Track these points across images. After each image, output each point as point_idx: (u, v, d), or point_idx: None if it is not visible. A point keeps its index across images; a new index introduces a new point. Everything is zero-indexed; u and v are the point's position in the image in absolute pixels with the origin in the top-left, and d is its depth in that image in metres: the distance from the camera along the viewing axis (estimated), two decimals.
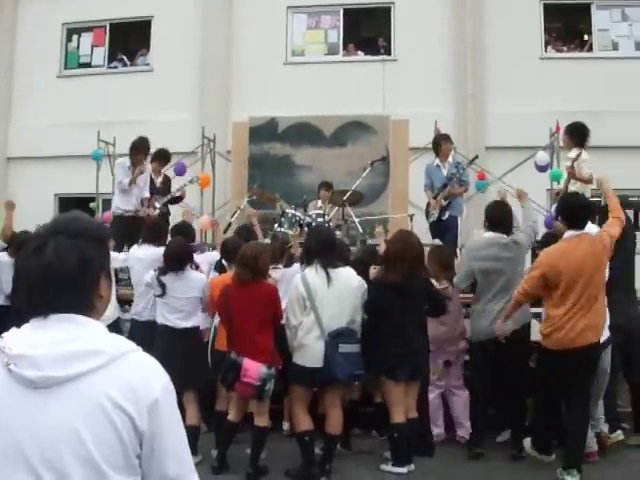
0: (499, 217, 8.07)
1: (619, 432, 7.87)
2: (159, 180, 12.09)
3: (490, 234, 8.04)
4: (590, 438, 7.37)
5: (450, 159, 11.51)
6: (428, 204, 11.52)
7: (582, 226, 7.11)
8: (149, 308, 8.21)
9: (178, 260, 7.48)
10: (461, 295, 8.69)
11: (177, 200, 12.06)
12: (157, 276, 7.47)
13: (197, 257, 8.58)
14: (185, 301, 7.48)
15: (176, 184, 12.37)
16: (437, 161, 11.54)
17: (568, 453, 6.98)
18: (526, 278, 7.22)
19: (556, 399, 7.22)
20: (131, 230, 10.36)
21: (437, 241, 9.59)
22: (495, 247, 7.88)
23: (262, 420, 7.13)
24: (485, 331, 7.79)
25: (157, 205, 11.53)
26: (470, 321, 8.24)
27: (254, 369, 6.83)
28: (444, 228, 11.06)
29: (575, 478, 6.78)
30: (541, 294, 7.15)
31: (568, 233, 7.14)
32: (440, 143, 11.59)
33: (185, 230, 8.79)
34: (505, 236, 7.95)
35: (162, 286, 7.43)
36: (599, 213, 8.06)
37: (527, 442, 7.40)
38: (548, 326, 7.04)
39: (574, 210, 7.22)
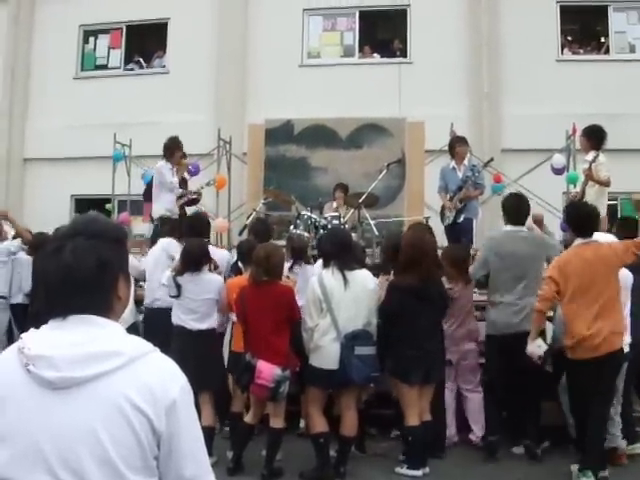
0: (516, 209, 8.06)
1: (639, 445, 7.82)
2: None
3: (509, 227, 8.04)
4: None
5: (466, 162, 11.46)
6: (443, 207, 11.49)
7: (590, 234, 7.16)
8: (161, 298, 8.24)
9: (195, 260, 7.48)
10: (478, 298, 8.68)
11: (193, 202, 12.07)
12: (173, 277, 7.48)
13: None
14: (200, 302, 7.44)
15: (192, 185, 12.38)
16: (453, 163, 11.50)
17: (585, 455, 6.94)
18: (541, 286, 7.21)
19: (589, 406, 7.18)
20: (178, 232, 10.37)
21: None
22: (513, 240, 7.86)
23: (278, 422, 7.13)
24: (500, 325, 7.78)
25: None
26: (486, 314, 8.20)
27: (268, 371, 6.84)
28: (459, 231, 11.03)
29: (590, 479, 6.76)
30: (557, 299, 7.08)
31: (577, 241, 7.20)
32: (455, 145, 11.55)
33: (198, 224, 8.83)
34: (524, 229, 7.96)
35: (178, 287, 7.43)
36: (613, 218, 8.08)
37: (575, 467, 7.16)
38: (570, 338, 7.05)
39: (582, 219, 7.30)
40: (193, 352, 7.05)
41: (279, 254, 7.29)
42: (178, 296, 7.45)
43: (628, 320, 7.32)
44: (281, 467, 7.22)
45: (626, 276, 7.45)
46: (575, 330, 6.97)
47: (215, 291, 7.57)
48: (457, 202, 11.06)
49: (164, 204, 11.28)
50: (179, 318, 7.49)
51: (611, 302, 6.96)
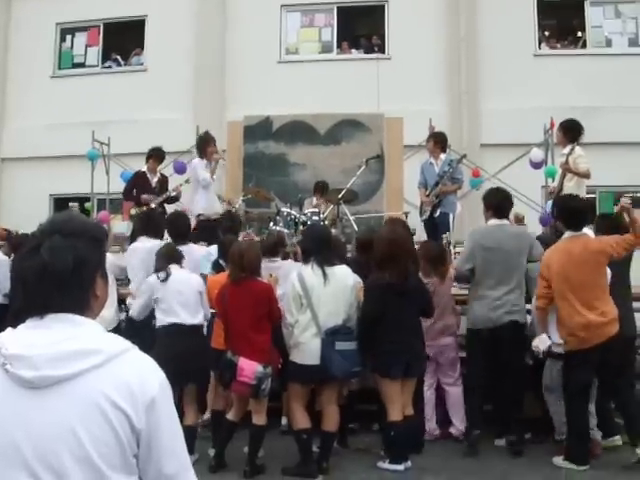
0: (499, 203, 8.07)
1: (617, 437, 7.85)
2: (155, 180, 12.07)
3: (494, 221, 8.05)
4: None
5: (443, 156, 11.50)
6: (422, 202, 11.52)
7: (580, 227, 7.29)
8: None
9: (170, 260, 7.48)
10: (457, 292, 8.71)
11: (173, 200, 12.05)
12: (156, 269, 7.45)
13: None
14: (187, 297, 7.37)
15: (173, 183, 12.35)
16: (431, 159, 11.56)
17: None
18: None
19: (585, 401, 7.30)
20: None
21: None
22: (498, 234, 7.87)
23: (260, 418, 7.12)
24: (481, 319, 7.80)
25: (152, 205, 11.54)
26: (468, 308, 8.22)
27: (250, 368, 6.83)
28: (436, 225, 11.06)
29: None
30: (550, 294, 7.23)
31: (567, 234, 7.35)
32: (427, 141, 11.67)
33: (178, 222, 8.85)
34: (508, 222, 7.98)
35: (167, 275, 7.38)
36: (592, 211, 8.16)
37: (557, 459, 7.29)
38: (563, 329, 7.22)
39: (572, 212, 7.41)
40: (182, 348, 7.02)
41: (254, 250, 7.27)
42: (166, 279, 7.39)
43: None
44: (263, 464, 7.22)
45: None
46: (567, 323, 7.12)
47: (199, 286, 7.52)
48: (433, 197, 11.10)
49: (199, 203, 11.22)
50: (176, 314, 7.32)
51: (601, 294, 7.12)
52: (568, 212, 7.45)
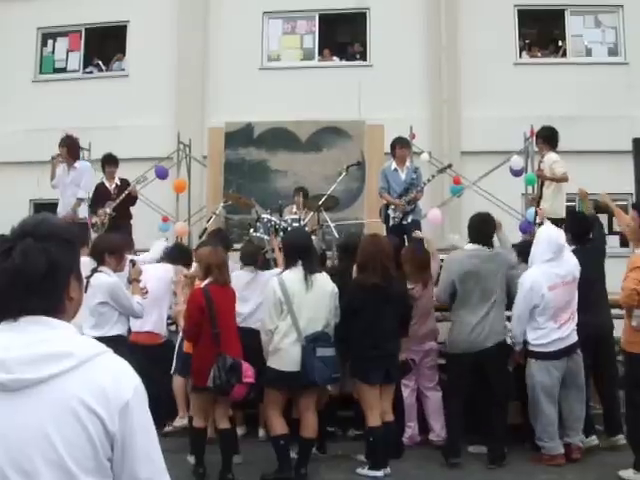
0: (481, 227, 8.13)
1: (593, 437, 7.94)
2: (112, 187, 12.09)
3: (471, 246, 8.10)
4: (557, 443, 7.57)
5: (408, 163, 11.46)
6: (381, 208, 11.44)
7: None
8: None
9: (97, 252, 7.22)
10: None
11: (132, 202, 12.04)
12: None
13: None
14: (93, 307, 6.93)
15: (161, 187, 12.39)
16: (394, 165, 11.44)
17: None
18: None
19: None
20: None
21: (418, 233, 9.62)
22: (476, 259, 7.92)
23: (224, 422, 7.18)
24: (463, 344, 7.83)
25: (108, 210, 11.59)
26: (448, 332, 8.22)
27: (249, 368, 6.93)
28: (405, 232, 10.99)
29: None
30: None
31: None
32: (394, 146, 11.53)
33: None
34: (486, 248, 8.02)
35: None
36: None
37: (627, 473, 7.08)
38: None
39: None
40: None
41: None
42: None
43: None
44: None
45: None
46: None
47: (104, 294, 7.00)
48: (405, 204, 11.02)
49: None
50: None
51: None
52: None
